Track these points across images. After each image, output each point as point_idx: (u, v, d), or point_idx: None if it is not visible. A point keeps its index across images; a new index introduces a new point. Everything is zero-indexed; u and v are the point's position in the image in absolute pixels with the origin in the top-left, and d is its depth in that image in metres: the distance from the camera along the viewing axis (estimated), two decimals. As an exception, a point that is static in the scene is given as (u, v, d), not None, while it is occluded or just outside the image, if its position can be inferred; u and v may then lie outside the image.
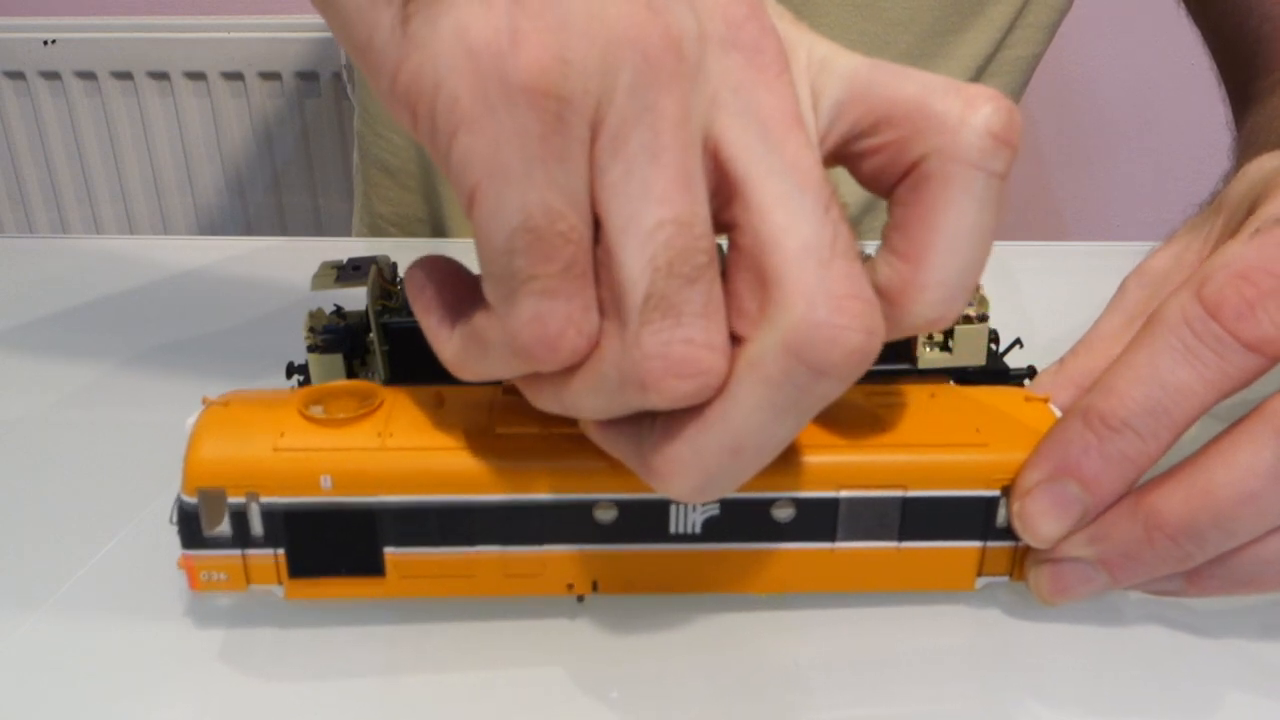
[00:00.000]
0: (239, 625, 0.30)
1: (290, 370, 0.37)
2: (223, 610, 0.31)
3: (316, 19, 1.13)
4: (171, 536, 0.28)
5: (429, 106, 0.21)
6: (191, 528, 0.27)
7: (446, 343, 0.25)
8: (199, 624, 0.30)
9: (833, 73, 0.25)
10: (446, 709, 0.27)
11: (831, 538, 0.28)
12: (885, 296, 0.24)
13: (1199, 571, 0.27)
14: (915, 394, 0.30)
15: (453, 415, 0.28)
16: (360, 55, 0.23)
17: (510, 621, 0.30)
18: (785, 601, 0.30)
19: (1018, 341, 0.37)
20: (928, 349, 0.35)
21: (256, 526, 0.27)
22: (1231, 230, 0.31)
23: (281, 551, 0.28)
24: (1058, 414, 0.29)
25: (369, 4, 0.22)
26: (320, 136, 1.17)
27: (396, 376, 0.35)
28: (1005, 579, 0.29)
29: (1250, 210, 0.31)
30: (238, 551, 0.28)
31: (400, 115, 0.22)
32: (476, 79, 0.21)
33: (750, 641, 0.29)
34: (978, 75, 0.63)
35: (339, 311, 0.36)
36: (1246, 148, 0.54)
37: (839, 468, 0.28)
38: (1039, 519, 0.27)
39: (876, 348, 0.22)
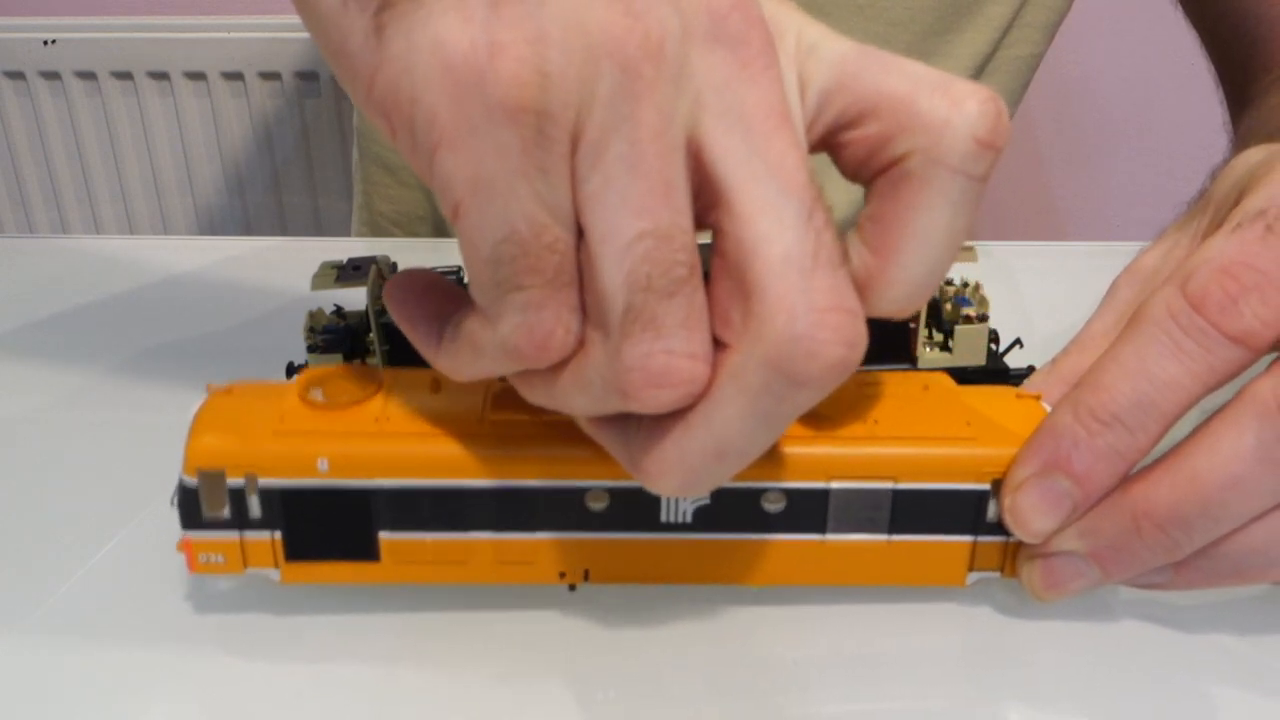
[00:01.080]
0: (238, 621, 0.30)
1: (290, 370, 0.37)
2: (222, 605, 0.31)
3: (316, 19, 1.13)
4: (171, 537, 0.28)
5: (406, 119, 0.21)
6: (191, 508, 0.28)
7: (438, 351, 0.26)
8: (198, 624, 0.30)
9: (821, 59, 0.24)
10: (443, 699, 0.28)
11: (822, 529, 0.28)
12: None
13: (1186, 563, 0.27)
14: (908, 386, 0.30)
15: (448, 401, 0.28)
16: (334, 61, 0.23)
17: (506, 612, 0.30)
18: (778, 596, 0.30)
19: (1018, 341, 0.37)
20: (928, 349, 0.35)
21: (255, 508, 0.28)
22: (1218, 225, 0.31)
23: (278, 534, 0.28)
24: (1049, 410, 0.29)
25: (340, 10, 0.22)
26: (320, 136, 1.17)
27: (396, 376, 0.35)
28: (996, 574, 0.29)
29: (1236, 204, 0.31)
30: (235, 534, 0.28)
31: (377, 122, 0.22)
32: (455, 95, 0.20)
33: (744, 637, 0.29)
34: (977, 74, 0.63)
35: (339, 311, 0.36)
36: (1241, 148, 0.54)
37: (829, 459, 0.28)
38: (1030, 514, 0.27)
39: (857, 359, 0.22)
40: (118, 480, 0.37)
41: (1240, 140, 0.55)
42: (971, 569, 0.29)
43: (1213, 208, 0.33)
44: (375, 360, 0.35)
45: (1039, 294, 0.50)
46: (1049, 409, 0.29)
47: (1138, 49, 1.17)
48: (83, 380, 0.44)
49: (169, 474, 0.28)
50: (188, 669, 0.29)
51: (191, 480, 0.27)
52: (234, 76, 1.15)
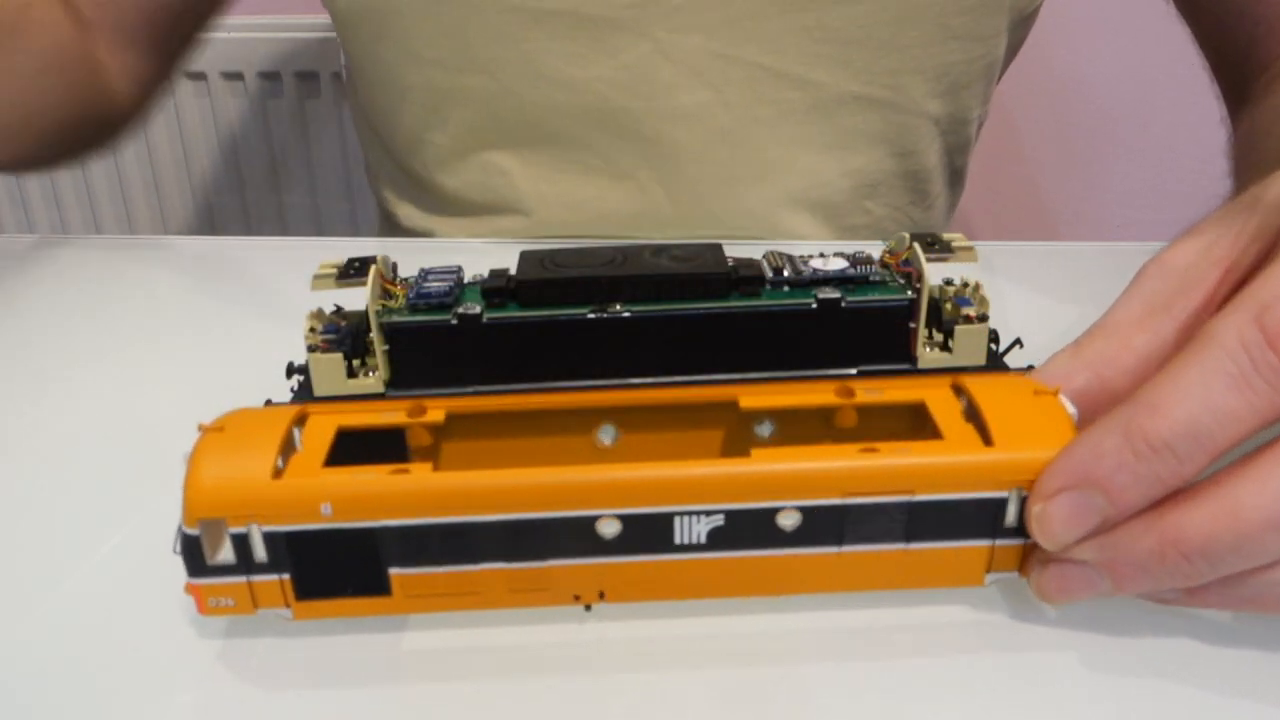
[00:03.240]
0: (239, 632, 0.30)
1: (290, 370, 0.37)
2: (221, 623, 0.30)
3: (316, 19, 1.13)
4: (172, 538, 0.28)
5: None
6: (195, 557, 0.28)
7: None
8: (199, 630, 0.30)
9: None
10: (451, 716, 0.28)
11: (838, 542, 0.28)
12: None
13: (1201, 587, 0.27)
14: (921, 391, 0.30)
15: (450, 435, 0.28)
16: None
17: (515, 628, 0.30)
18: (789, 603, 0.30)
19: (1018, 341, 0.37)
20: (928, 349, 0.35)
21: (260, 553, 0.27)
22: (1269, 235, 0.30)
23: (287, 576, 0.28)
24: (1069, 407, 0.29)
25: None
26: (320, 136, 1.17)
27: (397, 377, 0.35)
28: (1015, 574, 0.29)
29: None
30: (243, 578, 0.28)
31: None
32: None
33: (754, 644, 0.29)
34: (951, 86, 0.61)
35: (339, 311, 0.36)
36: (1246, 148, 0.54)
37: (845, 473, 0.27)
38: (1058, 525, 0.27)
39: None
40: (117, 481, 0.37)
41: (1242, 139, 0.55)
42: (990, 570, 0.29)
43: (1260, 214, 0.31)
44: (375, 360, 0.35)
45: (1039, 294, 0.50)
46: (1068, 405, 0.29)
47: (1134, 48, 1.17)
48: (82, 380, 0.44)
49: (169, 474, 0.28)
50: (188, 677, 0.29)
51: (193, 530, 0.27)
52: (234, 76, 1.15)
